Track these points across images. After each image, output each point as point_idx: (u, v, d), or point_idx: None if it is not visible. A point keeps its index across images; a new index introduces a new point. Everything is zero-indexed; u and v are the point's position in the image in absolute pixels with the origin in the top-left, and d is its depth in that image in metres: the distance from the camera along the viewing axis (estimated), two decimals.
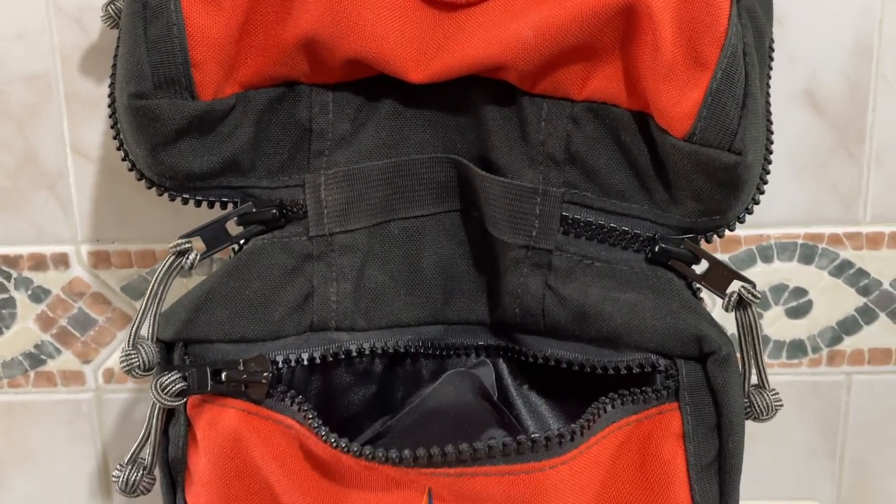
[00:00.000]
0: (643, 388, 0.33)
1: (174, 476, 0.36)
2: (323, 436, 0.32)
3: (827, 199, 0.46)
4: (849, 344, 0.48)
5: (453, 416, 0.33)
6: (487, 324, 0.38)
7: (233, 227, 0.36)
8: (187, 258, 0.34)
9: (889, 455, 0.50)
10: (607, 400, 0.33)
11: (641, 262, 0.35)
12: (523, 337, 0.37)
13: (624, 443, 0.33)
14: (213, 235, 0.35)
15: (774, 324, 0.48)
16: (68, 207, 0.46)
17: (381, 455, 0.31)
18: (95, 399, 0.48)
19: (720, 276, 0.34)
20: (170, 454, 0.36)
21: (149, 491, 0.36)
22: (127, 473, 0.35)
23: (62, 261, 0.47)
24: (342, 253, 0.36)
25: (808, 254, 0.47)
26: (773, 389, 0.35)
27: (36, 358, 0.48)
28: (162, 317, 0.35)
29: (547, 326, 0.36)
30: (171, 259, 0.34)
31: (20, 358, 0.48)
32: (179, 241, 0.34)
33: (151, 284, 0.34)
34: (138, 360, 0.34)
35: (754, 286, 0.33)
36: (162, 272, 0.34)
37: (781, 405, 0.35)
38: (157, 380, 0.34)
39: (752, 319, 0.34)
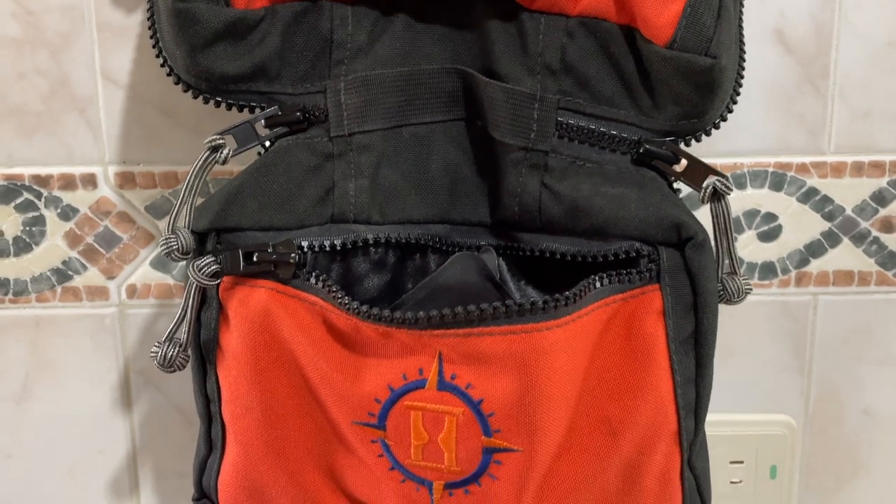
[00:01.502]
0: (628, 270, 0.38)
1: (205, 356, 0.40)
2: (346, 304, 0.36)
3: (795, 130, 0.50)
4: (815, 266, 0.52)
5: (459, 292, 0.37)
6: (488, 225, 0.42)
7: (260, 131, 0.40)
8: (221, 153, 0.38)
9: (853, 371, 0.54)
10: (596, 278, 0.37)
11: (628, 163, 0.39)
12: (521, 234, 0.41)
13: (611, 317, 0.38)
14: (243, 135, 0.39)
15: (748, 247, 0.52)
16: (97, 130, 0.49)
17: (398, 316, 0.35)
18: (118, 314, 0.52)
19: (697, 172, 0.38)
20: (202, 337, 0.40)
21: (183, 367, 0.40)
22: (164, 349, 0.39)
23: (90, 181, 0.50)
24: (360, 152, 0.39)
25: (777, 181, 0.51)
26: (744, 276, 0.39)
27: (63, 273, 0.51)
28: (196, 210, 0.39)
29: (543, 222, 0.40)
30: (206, 154, 0.38)
31: (48, 273, 0.51)
32: (214, 136, 0.38)
33: (188, 177, 0.38)
34: (177, 244, 0.38)
35: (727, 179, 0.38)
36: (197, 166, 0.38)
37: (750, 289, 0.39)
38: (194, 262, 0.37)
39: (725, 210, 0.38)
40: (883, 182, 0.51)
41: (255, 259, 0.37)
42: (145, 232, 0.51)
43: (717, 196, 0.38)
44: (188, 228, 0.38)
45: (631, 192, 0.38)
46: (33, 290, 0.51)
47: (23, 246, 0.51)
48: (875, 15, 0.49)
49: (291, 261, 0.37)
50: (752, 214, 0.51)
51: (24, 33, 0.48)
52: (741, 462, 0.54)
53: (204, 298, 0.39)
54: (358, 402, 0.37)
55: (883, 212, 0.52)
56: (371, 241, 0.39)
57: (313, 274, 0.37)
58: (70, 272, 0.51)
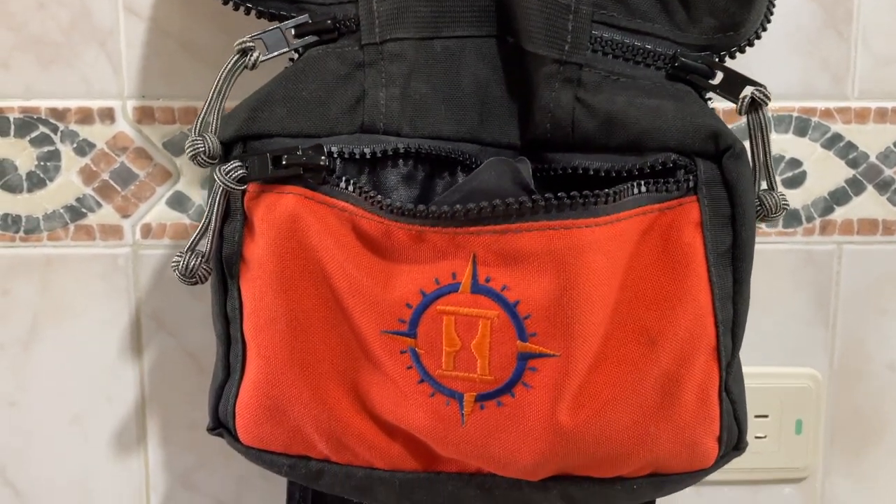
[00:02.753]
0: (666, 179, 0.37)
1: (227, 273, 0.39)
2: (379, 202, 0.35)
3: (818, 75, 0.50)
4: (839, 214, 0.52)
5: (493, 197, 0.36)
6: (518, 147, 0.41)
7: (291, 43, 0.40)
8: (250, 57, 0.37)
9: (878, 324, 0.53)
10: (635, 183, 0.36)
11: (662, 78, 0.39)
12: (552, 154, 0.40)
13: (649, 227, 0.37)
14: (273, 39, 0.38)
15: None
16: (117, 64, 0.49)
17: (433, 211, 0.34)
18: (132, 254, 0.51)
19: (734, 83, 0.38)
20: (224, 252, 0.39)
21: (205, 280, 0.39)
22: (186, 259, 0.38)
23: (108, 115, 0.49)
24: (391, 61, 0.39)
25: (802, 126, 0.51)
26: (782, 194, 0.39)
27: (77, 211, 0.50)
28: (223, 119, 0.38)
29: (576, 139, 0.39)
30: (235, 57, 0.37)
31: (61, 211, 0.50)
32: (244, 39, 0.38)
33: (216, 81, 0.37)
34: (203, 147, 0.37)
35: (765, 88, 0.37)
36: (227, 69, 0.37)
37: (787, 205, 0.39)
38: (220, 166, 0.37)
39: (763, 121, 0.38)
40: None
41: (283, 162, 0.36)
42: (162, 169, 0.50)
43: (755, 106, 0.37)
44: (215, 133, 0.37)
45: (667, 104, 0.38)
46: (45, 228, 0.50)
47: (36, 181, 0.50)
48: None
49: (322, 164, 0.36)
50: (777, 160, 0.51)
51: None
52: (766, 416, 0.53)
53: (228, 211, 0.38)
54: (388, 308, 0.36)
55: None
56: (401, 151, 0.39)
57: (343, 178, 0.37)
58: (84, 210, 0.50)
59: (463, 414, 0.36)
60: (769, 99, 0.37)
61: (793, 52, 0.50)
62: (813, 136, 0.51)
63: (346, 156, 0.38)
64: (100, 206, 0.50)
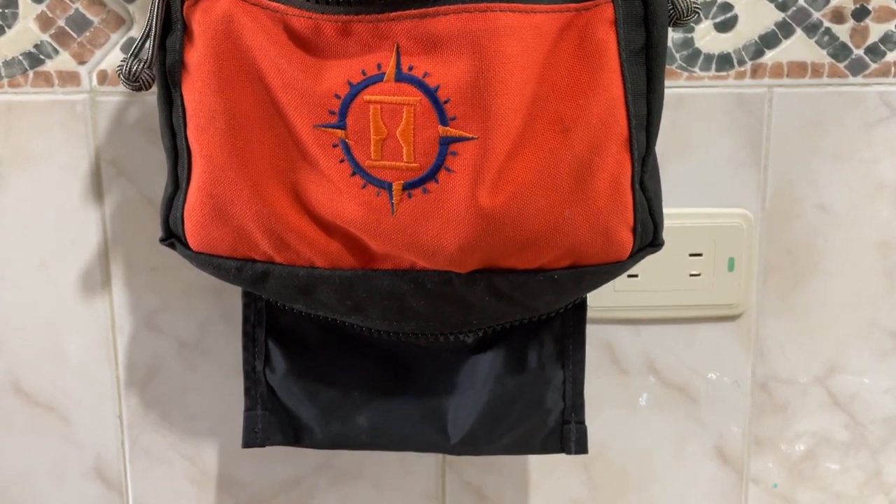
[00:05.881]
0: None
1: (170, 84, 0.41)
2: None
3: None
4: (770, 57, 0.54)
5: None
6: None
7: None
8: None
9: (808, 165, 0.56)
10: None
11: None
12: None
13: (565, 26, 0.39)
14: None
15: (704, 37, 0.54)
16: None
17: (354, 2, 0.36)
18: (90, 100, 0.53)
19: None
20: (167, 63, 0.41)
21: (149, 86, 0.41)
22: (129, 64, 0.40)
23: None
24: None
25: None
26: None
27: (35, 58, 0.52)
28: None
29: None
30: None
31: (20, 58, 0.52)
32: None
33: None
34: None
35: None
36: None
37: (700, 8, 0.41)
38: None
39: None
40: None
41: None
42: (116, 15, 0.52)
43: None
44: None
45: None
46: (6, 75, 0.52)
47: None
48: None
49: None
50: (708, 4, 0.53)
51: None
52: (700, 255, 0.56)
53: (169, 21, 0.40)
54: (319, 100, 0.38)
55: (833, 2, 0.53)
56: None
57: None
58: (42, 56, 0.52)
59: (392, 203, 0.39)
60: None
61: None
62: None
63: None
64: (57, 52, 0.52)
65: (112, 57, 0.52)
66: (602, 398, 0.58)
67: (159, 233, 0.53)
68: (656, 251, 0.43)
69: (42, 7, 0.51)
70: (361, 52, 0.38)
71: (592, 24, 0.39)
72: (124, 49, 0.52)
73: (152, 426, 0.57)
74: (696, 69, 0.54)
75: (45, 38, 0.52)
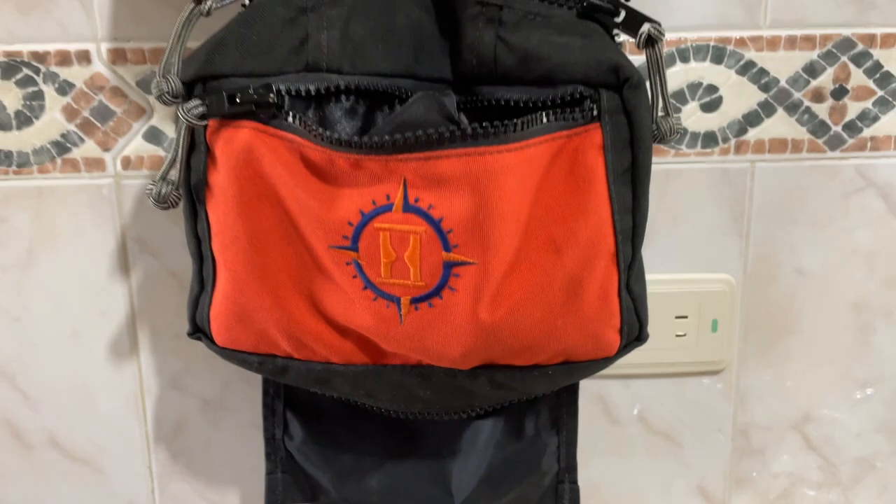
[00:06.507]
0: (573, 109, 0.42)
1: (196, 198, 0.45)
2: (321, 134, 0.40)
3: (733, 6, 0.55)
4: (752, 135, 0.57)
5: (421, 127, 0.41)
6: (450, 81, 0.46)
7: None
8: (204, 4, 0.42)
9: (787, 233, 0.59)
10: (543, 113, 0.42)
11: (574, 16, 0.44)
12: (479, 87, 0.45)
13: (557, 152, 0.42)
14: None
15: (691, 117, 0.57)
16: (90, 9, 0.53)
17: (366, 141, 0.40)
18: (115, 184, 0.56)
19: (634, 20, 0.43)
20: (192, 181, 0.44)
21: (176, 204, 0.45)
22: (159, 187, 0.44)
23: (84, 57, 0.54)
24: (331, 6, 0.44)
25: (718, 55, 0.56)
26: (677, 117, 0.44)
27: (62, 146, 0.55)
28: (184, 62, 0.43)
29: (498, 73, 0.44)
30: (191, 6, 0.42)
31: (48, 146, 0.55)
32: None
33: (175, 27, 0.42)
34: (167, 87, 0.42)
35: (660, 25, 0.42)
36: (183, 17, 0.42)
37: (683, 129, 0.44)
38: (183, 105, 0.42)
39: (658, 55, 0.43)
40: (814, 55, 0.56)
41: (237, 100, 0.42)
42: (137, 106, 0.55)
43: (651, 41, 0.42)
44: (177, 75, 0.42)
45: (575, 41, 0.43)
46: (35, 162, 0.55)
47: (24, 119, 0.55)
48: None
49: (271, 100, 0.42)
50: (694, 86, 0.56)
51: None
52: (685, 317, 0.60)
53: (193, 144, 0.44)
54: (333, 226, 0.42)
55: (814, 83, 0.56)
56: (342, 88, 0.44)
57: (290, 113, 0.42)
58: (69, 144, 0.55)
59: (401, 314, 0.43)
60: (663, 35, 0.42)
61: None
62: (728, 64, 0.56)
63: (293, 93, 0.43)
64: (83, 140, 0.55)
65: (135, 144, 0.55)
66: (595, 444, 0.62)
67: (182, 303, 0.58)
68: (641, 345, 0.47)
69: (67, 99, 0.54)
70: (371, 183, 0.41)
71: (582, 149, 0.42)
72: (146, 137, 0.55)
73: (179, 475, 0.62)
74: (683, 146, 0.57)
75: (72, 127, 0.55)
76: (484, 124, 0.39)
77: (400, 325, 0.43)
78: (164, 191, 0.44)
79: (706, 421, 0.63)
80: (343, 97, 0.44)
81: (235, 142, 0.42)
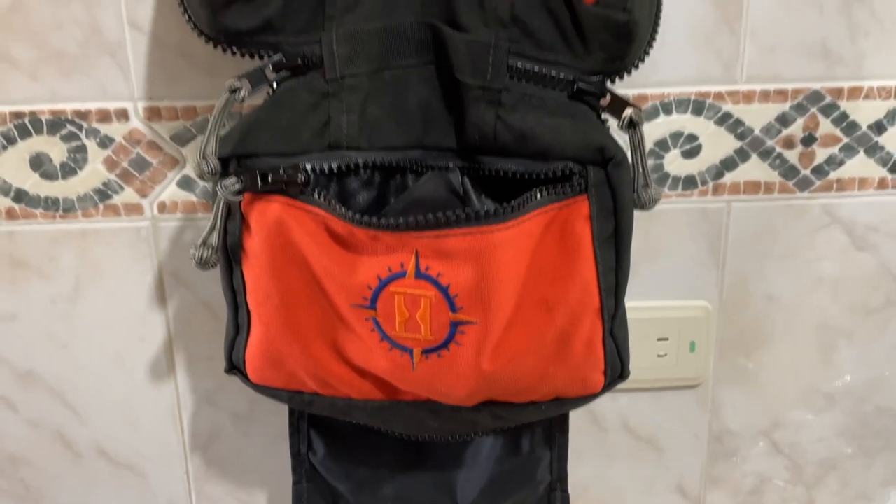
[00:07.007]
0: (563, 184, 0.48)
1: (232, 257, 0.51)
2: (343, 213, 0.46)
3: (713, 64, 0.60)
4: (729, 178, 0.63)
5: (431, 204, 0.47)
6: (455, 149, 0.52)
7: (268, 75, 0.50)
8: (238, 94, 0.48)
9: (759, 264, 0.65)
10: (537, 191, 0.48)
11: (565, 98, 0.49)
12: (481, 157, 0.51)
13: (549, 222, 0.48)
14: (256, 77, 0.48)
15: (673, 163, 0.62)
16: (127, 71, 0.58)
17: (383, 222, 0.46)
18: (152, 226, 0.62)
19: (618, 104, 0.48)
20: (228, 242, 0.50)
21: (215, 266, 0.51)
22: (200, 252, 0.50)
23: (123, 114, 0.59)
24: (350, 92, 0.49)
25: (698, 107, 0.61)
26: (656, 188, 0.50)
27: (104, 193, 0.61)
28: (220, 140, 0.49)
29: (498, 147, 0.50)
30: (226, 95, 0.48)
31: (91, 193, 0.61)
32: (232, 80, 0.48)
33: (213, 114, 0.48)
34: (207, 167, 0.48)
35: (640, 110, 0.48)
36: (220, 105, 0.48)
37: (660, 197, 0.50)
38: (222, 181, 0.48)
39: (639, 135, 0.48)
40: (786, 107, 0.61)
41: (269, 179, 0.47)
42: (171, 157, 0.61)
43: (632, 124, 0.48)
44: (215, 155, 0.48)
45: (566, 122, 0.48)
46: (79, 208, 0.61)
47: (69, 170, 0.60)
48: None
49: (299, 180, 0.47)
50: (676, 136, 0.62)
51: None
52: (666, 339, 0.66)
53: (230, 211, 0.50)
54: (354, 289, 0.48)
55: (785, 131, 0.62)
56: (361, 164, 0.49)
57: (316, 190, 0.48)
58: (110, 192, 0.61)
59: (413, 362, 0.49)
60: (642, 120, 0.48)
61: (691, 45, 0.60)
62: (707, 115, 0.61)
63: (318, 171, 0.49)
64: (122, 188, 0.61)
65: (170, 190, 0.61)
66: (584, 450, 0.70)
67: (213, 329, 0.65)
68: (623, 381, 0.54)
69: (108, 152, 0.60)
70: (387, 253, 0.47)
71: (571, 219, 0.48)
72: (179, 184, 0.61)
73: (214, 479, 0.69)
74: (666, 189, 0.63)
75: (112, 177, 0.61)
76: (486, 209, 0.45)
77: (413, 371, 0.49)
78: (205, 255, 0.50)
79: (684, 428, 0.70)
80: (361, 171, 0.50)
81: (268, 214, 0.48)
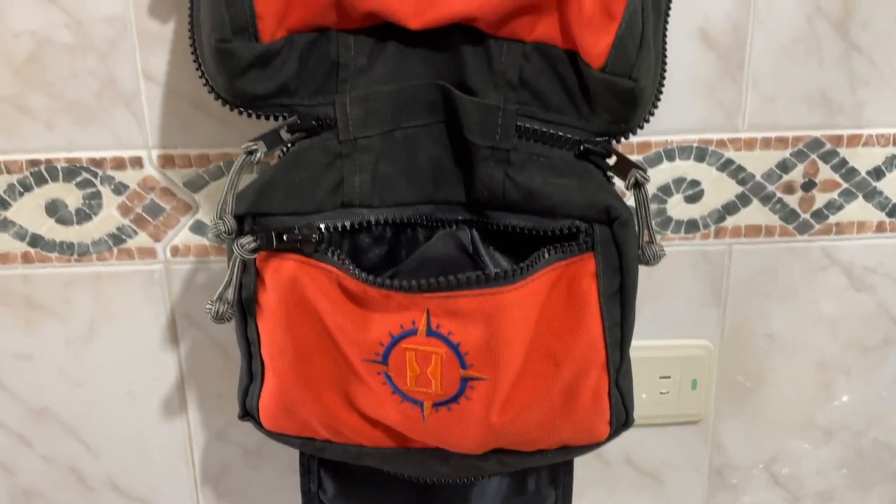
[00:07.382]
0: (570, 243, 0.49)
1: (246, 310, 0.52)
2: (356, 274, 0.48)
3: (715, 112, 0.61)
4: (730, 222, 0.64)
5: (441, 262, 0.49)
6: (464, 204, 0.53)
7: (282, 135, 0.51)
8: (254, 155, 0.49)
9: (759, 305, 0.67)
10: (545, 250, 0.49)
11: (572, 158, 0.51)
12: (490, 213, 0.52)
13: (557, 279, 0.50)
14: (271, 139, 0.49)
15: (676, 207, 0.64)
16: (141, 121, 0.59)
17: (395, 284, 0.47)
18: (165, 269, 0.63)
19: (624, 166, 0.50)
20: (243, 296, 0.52)
21: (230, 319, 0.52)
22: (216, 307, 0.51)
23: (137, 162, 0.60)
24: (362, 152, 0.50)
25: (700, 154, 0.62)
26: (660, 244, 0.51)
27: (118, 238, 0.62)
28: (236, 198, 0.50)
29: (506, 204, 0.51)
30: (243, 157, 0.49)
31: (105, 237, 0.62)
32: (249, 143, 0.49)
33: (230, 175, 0.49)
34: (224, 227, 0.49)
35: (646, 171, 0.49)
36: (237, 166, 0.49)
37: (664, 254, 0.51)
38: (238, 240, 0.49)
39: (644, 195, 0.50)
40: (786, 154, 0.63)
41: (284, 238, 0.49)
42: (184, 203, 0.62)
43: (637, 185, 0.49)
44: (230, 214, 0.49)
45: (573, 182, 0.50)
46: (94, 252, 0.63)
47: (84, 216, 0.62)
48: (783, 16, 0.59)
49: (313, 239, 0.48)
50: (679, 181, 0.63)
51: (76, 41, 0.57)
52: (669, 377, 0.68)
53: (245, 267, 0.51)
54: (367, 345, 0.49)
55: (785, 178, 0.63)
56: (373, 222, 0.51)
57: (329, 249, 0.49)
58: (124, 236, 0.62)
59: (424, 415, 0.51)
60: (648, 180, 0.49)
61: (695, 95, 0.61)
62: (710, 162, 0.63)
63: (331, 229, 0.50)
64: (136, 233, 0.62)
65: (182, 235, 0.62)
66: (587, 484, 0.71)
67: (224, 368, 0.66)
68: (628, 429, 0.55)
69: (122, 198, 0.61)
70: (399, 311, 0.48)
71: (578, 276, 0.50)
72: (192, 229, 0.62)
73: None
74: (668, 232, 0.64)
75: (126, 222, 0.62)
76: (496, 271, 0.46)
77: (423, 423, 0.51)
78: (220, 310, 0.51)
79: (685, 462, 0.71)
80: (373, 227, 0.51)
81: (283, 272, 0.49)
